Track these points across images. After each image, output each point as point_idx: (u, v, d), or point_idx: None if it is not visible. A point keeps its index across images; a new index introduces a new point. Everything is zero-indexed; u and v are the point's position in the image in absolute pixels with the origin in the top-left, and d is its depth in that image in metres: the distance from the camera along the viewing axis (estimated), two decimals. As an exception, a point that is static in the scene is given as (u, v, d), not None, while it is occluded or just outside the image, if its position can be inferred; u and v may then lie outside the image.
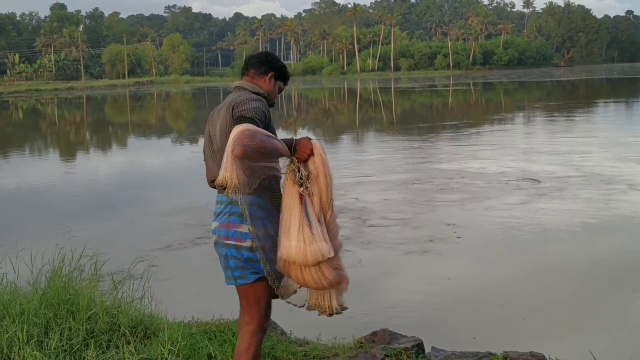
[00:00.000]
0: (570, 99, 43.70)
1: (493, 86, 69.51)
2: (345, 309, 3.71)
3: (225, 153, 3.36)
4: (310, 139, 3.62)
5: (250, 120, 3.45)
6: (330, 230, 3.62)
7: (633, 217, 9.78)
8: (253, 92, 3.79)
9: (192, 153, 21.35)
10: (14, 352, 4.14)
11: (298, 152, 3.55)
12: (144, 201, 13.30)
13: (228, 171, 3.36)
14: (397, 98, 53.48)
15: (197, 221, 10.59)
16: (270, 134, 3.43)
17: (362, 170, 15.63)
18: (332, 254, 3.53)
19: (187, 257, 8.61)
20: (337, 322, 5.78)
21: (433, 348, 4.85)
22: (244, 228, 3.58)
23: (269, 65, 3.93)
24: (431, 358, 4.66)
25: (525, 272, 7.58)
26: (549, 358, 4.52)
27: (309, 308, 3.71)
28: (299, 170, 3.56)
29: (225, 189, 3.44)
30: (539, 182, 12.85)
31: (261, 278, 3.62)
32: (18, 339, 4.24)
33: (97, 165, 19.44)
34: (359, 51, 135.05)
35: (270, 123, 3.69)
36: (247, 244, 3.56)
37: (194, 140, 26.08)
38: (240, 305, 3.74)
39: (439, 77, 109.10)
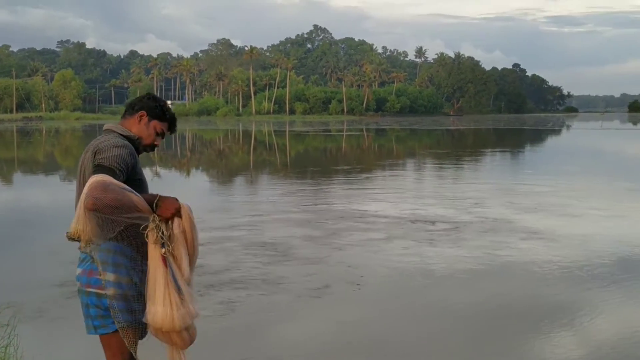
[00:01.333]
0: (460, 148, 44.90)
1: (385, 132, 70.86)
2: None
3: (78, 204, 3.17)
4: (177, 200, 3.39)
5: (108, 170, 3.26)
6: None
7: (519, 265, 9.90)
8: (122, 135, 3.59)
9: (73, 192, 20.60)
10: None
11: (161, 209, 3.32)
12: (17, 241, 12.60)
13: (80, 224, 3.17)
14: (292, 141, 53.71)
15: (75, 263, 10.07)
16: (126, 187, 3.21)
17: (259, 210, 15.41)
18: (199, 314, 3.46)
19: (58, 301, 8.07)
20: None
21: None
22: (107, 276, 3.36)
23: (140, 104, 3.74)
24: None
25: (416, 318, 7.52)
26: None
27: None
28: (159, 230, 3.32)
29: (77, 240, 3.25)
30: (434, 226, 12.95)
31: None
32: None
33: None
34: (255, 93, 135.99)
35: (135, 169, 3.49)
36: (109, 292, 3.36)
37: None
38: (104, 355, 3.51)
39: (333, 121, 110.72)
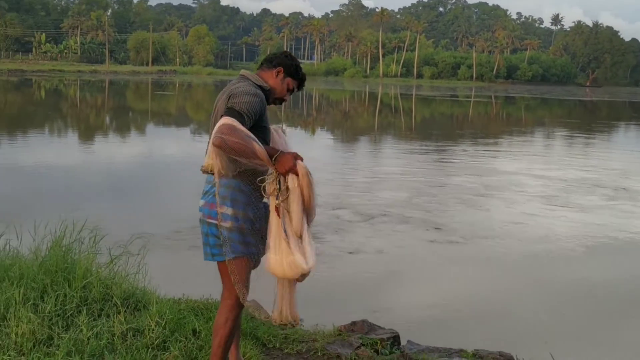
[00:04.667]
0: (598, 120, 43.33)
1: (515, 100, 69.29)
2: (296, 324, 3.96)
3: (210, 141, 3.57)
4: (297, 157, 3.68)
5: (238, 114, 3.58)
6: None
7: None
8: (255, 84, 3.91)
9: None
10: (10, 313, 4.34)
11: (279, 163, 3.64)
12: (154, 187, 13.56)
13: (211, 158, 3.57)
14: (418, 105, 53.52)
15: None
16: (251, 135, 3.53)
17: (381, 170, 15.95)
18: (308, 266, 3.67)
19: (187, 240, 8.83)
20: (320, 311, 5.99)
21: (408, 341, 5.06)
22: (226, 209, 3.72)
23: (279, 60, 4.07)
24: (405, 350, 4.85)
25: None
26: (517, 358, 4.71)
27: (274, 322, 3.91)
28: (276, 182, 3.65)
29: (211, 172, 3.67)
30: (580, 191, 13.03)
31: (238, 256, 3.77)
32: (15, 300, 4.45)
33: (113, 150, 19.64)
34: (383, 56, 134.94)
35: (263, 117, 3.82)
36: (228, 224, 3.71)
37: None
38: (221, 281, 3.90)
39: (461, 87, 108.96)
